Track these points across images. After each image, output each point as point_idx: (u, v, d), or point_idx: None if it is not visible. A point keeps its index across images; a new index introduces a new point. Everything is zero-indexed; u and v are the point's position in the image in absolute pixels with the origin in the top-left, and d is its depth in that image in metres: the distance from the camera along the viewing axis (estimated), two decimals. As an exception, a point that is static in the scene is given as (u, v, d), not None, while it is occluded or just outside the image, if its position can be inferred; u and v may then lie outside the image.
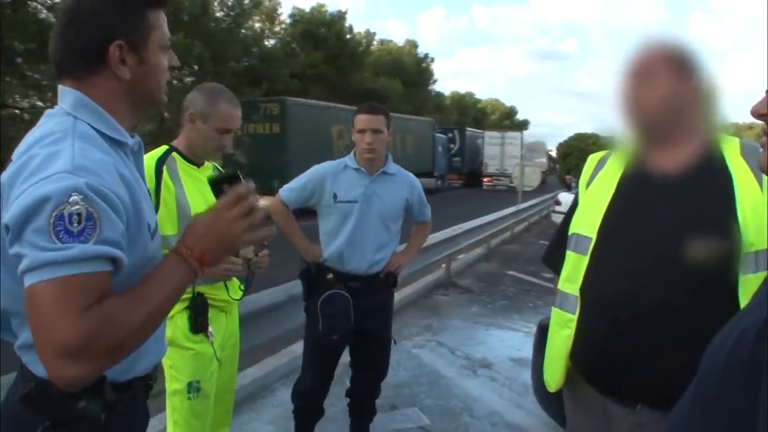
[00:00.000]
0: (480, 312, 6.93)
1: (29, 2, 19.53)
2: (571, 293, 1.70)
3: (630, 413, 1.59)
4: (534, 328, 4.96)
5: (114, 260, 1.10)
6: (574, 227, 1.75)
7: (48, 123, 1.21)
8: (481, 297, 7.70)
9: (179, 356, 2.29)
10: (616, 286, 1.59)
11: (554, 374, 1.80)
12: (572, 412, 1.87)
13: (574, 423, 1.86)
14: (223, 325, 2.48)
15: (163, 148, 2.40)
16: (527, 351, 4.98)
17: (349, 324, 2.90)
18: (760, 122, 1.02)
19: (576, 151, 31.08)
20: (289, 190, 3.03)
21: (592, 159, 1.87)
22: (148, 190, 1.43)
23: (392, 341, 3.28)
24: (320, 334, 2.90)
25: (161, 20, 1.30)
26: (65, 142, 1.13)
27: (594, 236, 1.65)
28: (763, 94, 0.97)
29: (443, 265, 8.44)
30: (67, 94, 1.24)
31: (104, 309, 1.06)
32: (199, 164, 2.44)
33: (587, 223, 1.69)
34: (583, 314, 1.67)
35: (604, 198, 1.68)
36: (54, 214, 1.04)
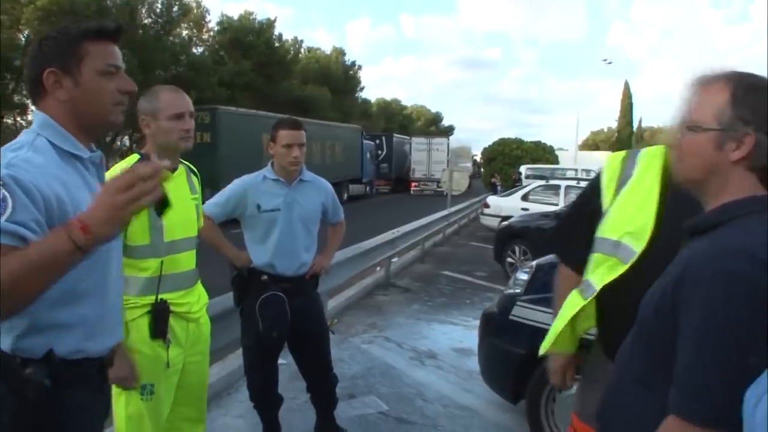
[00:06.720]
0: (421, 309, 7.32)
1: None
2: (596, 288, 1.74)
3: None
4: (473, 322, 5.38)
5: (24, 239, 1.27)
6: (612, 232, 1.73)
7: (20, 137, 1.52)
8: (420, 295, 8.10)
9: (136, 359, 2.25)
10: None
11: (552, 334, 1.89)
12: (581, 388, 1.99)
13: (583, 398, 1.94)
14: (187, 334, 2.54)
15: (134, 157, 2.46)
16: (468, 342, 5.39)
17: (287, 322, 3.16)
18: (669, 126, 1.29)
19: (500, 156, 32.01)
20: (213, 206, 3.22)
21: (615, 158, 1.84)
22: None
23: (330, 332, 3.59)
24: (260, 333, 3.13)
25: (101, 50, 1.51)
26: (21, 150, 1.43)
27: (639, 250, 1.64)
28: (677, 101, 1.15)
29: (379, 268, 8.80)
30: (35, 116, 1.54)
31: None
32: (170, 170, 2.43)
33: (629, 230, 1.68)
34: (606, 305, 1.76)
35: (648, 208, 1.67)
36: None
